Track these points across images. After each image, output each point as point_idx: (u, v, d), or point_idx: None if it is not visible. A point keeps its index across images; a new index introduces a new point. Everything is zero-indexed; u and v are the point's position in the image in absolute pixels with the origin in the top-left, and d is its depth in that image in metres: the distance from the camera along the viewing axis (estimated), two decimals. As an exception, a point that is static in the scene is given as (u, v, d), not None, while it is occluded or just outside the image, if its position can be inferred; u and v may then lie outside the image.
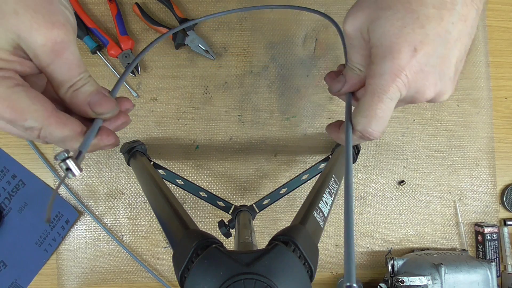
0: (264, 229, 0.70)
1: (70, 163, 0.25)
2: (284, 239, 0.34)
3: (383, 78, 0.28)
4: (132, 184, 0.69)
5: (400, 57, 0.27)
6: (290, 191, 0.63)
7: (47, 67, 0.25)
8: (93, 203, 0.68)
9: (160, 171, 0.61)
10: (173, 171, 0.63)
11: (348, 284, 0.24)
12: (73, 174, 0.26)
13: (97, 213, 0.68)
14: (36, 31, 0.23)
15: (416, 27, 0.27)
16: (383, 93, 0.28)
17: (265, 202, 0.61)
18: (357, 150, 0.66)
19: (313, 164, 0.64)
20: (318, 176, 0.57)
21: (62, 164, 0.25)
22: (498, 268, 0.70)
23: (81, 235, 0.68)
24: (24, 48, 0.24)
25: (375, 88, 0.29)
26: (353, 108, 0.33)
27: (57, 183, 0.68)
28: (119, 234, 0.68)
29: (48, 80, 0.26)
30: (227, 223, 0.57)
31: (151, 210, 0.67)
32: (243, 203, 0.63)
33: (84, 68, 0.27)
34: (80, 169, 0.26)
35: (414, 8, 0.27)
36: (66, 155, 0.25)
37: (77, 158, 0.26)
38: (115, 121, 0.30)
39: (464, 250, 0.71)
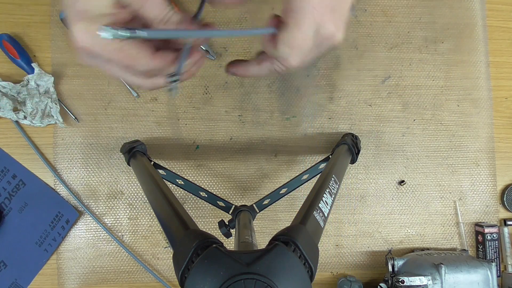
0: (264, 229, 0.70)
1: (174, 84, 0.33)
2: (284, 239, 0.34)
3: (302, 13, 0.34)
4: (132, 184, 0.69)
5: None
6: (290, 191, 0.63)
7: (139, 10, 0.31)
8: (93, 203, 0.68)
9: (160, 171, 0.61)
10: (173, 171, 0.63)
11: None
12: (175, 93, 0.34)
13: (97, 213, 0.68)
14: None
15: None
16: (302, 25, 0.34)
17: (265, 202, 0.61)
18: (357, 150, 0.66)
19: (313, 164, 0.64)
20: (318, 176, 0.57)
21: (171, 84, 0.33)
22: (498, 268, 0.70)
23: (81, 235, 0.68)
24: (120, 0, 0.30)
25: (295, 21, 0.34)
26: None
27: (55, 180, 0.68)
28: (119, 234, 0.68)
29: (143, 20, 0.32)
30: (227, 223, 0.57)
31: (151, 210, 0.67)
32: (243, 203, 0.63)
33: (167, 4, 0.33)
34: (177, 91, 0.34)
35: None
36: (176, 77, 0.33)
37: (175, 81, 0.34)
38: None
39: (464, 250, 0.71)
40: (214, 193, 0.62)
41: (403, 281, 0.61)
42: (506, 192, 0.73)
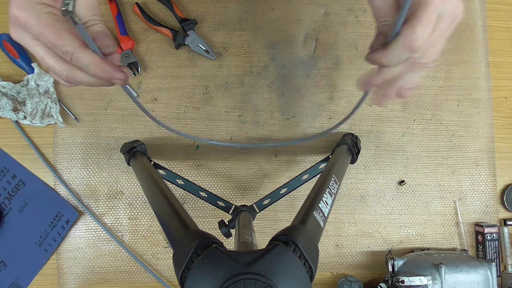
0: (264, 229, 0.70)
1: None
2: (284, 239, 0.34)
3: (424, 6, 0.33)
4: (132, 184, 0.69)
5: None
6: (290, 191, 0.63)
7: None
8: (93, 203, 0.68)
9: (160, 171, 0.61)
10: (173, 171, 0.63)
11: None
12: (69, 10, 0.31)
13: (97, 213, 0.68)
14: None
15: None
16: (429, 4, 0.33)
17: (265, 202, 0.61)
18: (357, 150, 0.66)
19: (313, 164, 0.64)
20: (318, 176, 0.57)
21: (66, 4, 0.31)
22: (498, 268, 0.70)
23: (81, 235, 0.68)
24: None
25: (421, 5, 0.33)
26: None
27: (53, 181, 0.68)
28: (119, 234, 0.68)
29: None
30: (227, 223, 0.57)
31: (151, 210, 0.67)
32: (243, 203, 0.63)
33: (96, 12, 0.35)
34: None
35: None
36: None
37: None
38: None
39: (464, 250, 0.71)
40: (214, 193, 0.62)
41: (403, 281, 0.61)
42: (506, 192, 0.73)
